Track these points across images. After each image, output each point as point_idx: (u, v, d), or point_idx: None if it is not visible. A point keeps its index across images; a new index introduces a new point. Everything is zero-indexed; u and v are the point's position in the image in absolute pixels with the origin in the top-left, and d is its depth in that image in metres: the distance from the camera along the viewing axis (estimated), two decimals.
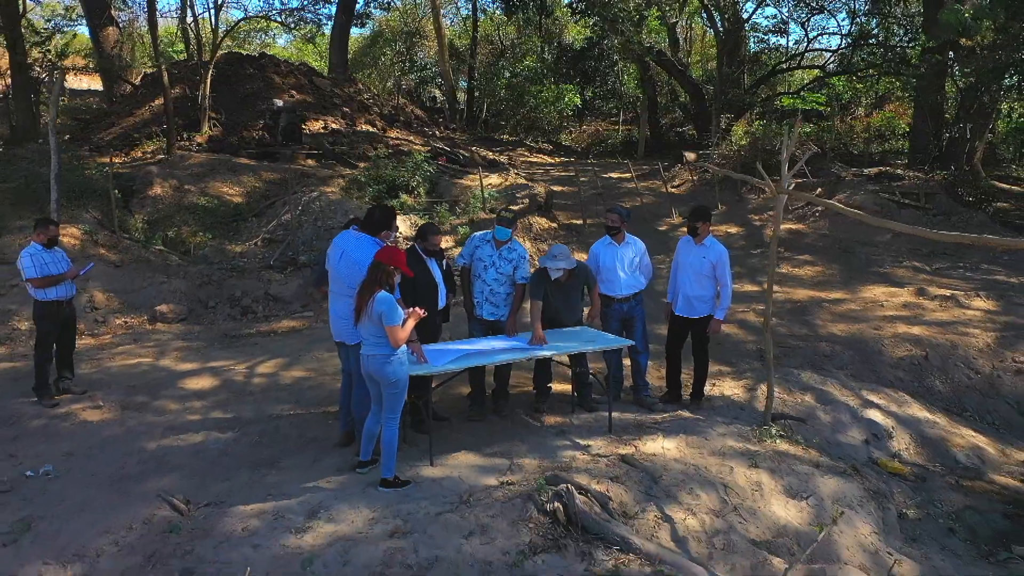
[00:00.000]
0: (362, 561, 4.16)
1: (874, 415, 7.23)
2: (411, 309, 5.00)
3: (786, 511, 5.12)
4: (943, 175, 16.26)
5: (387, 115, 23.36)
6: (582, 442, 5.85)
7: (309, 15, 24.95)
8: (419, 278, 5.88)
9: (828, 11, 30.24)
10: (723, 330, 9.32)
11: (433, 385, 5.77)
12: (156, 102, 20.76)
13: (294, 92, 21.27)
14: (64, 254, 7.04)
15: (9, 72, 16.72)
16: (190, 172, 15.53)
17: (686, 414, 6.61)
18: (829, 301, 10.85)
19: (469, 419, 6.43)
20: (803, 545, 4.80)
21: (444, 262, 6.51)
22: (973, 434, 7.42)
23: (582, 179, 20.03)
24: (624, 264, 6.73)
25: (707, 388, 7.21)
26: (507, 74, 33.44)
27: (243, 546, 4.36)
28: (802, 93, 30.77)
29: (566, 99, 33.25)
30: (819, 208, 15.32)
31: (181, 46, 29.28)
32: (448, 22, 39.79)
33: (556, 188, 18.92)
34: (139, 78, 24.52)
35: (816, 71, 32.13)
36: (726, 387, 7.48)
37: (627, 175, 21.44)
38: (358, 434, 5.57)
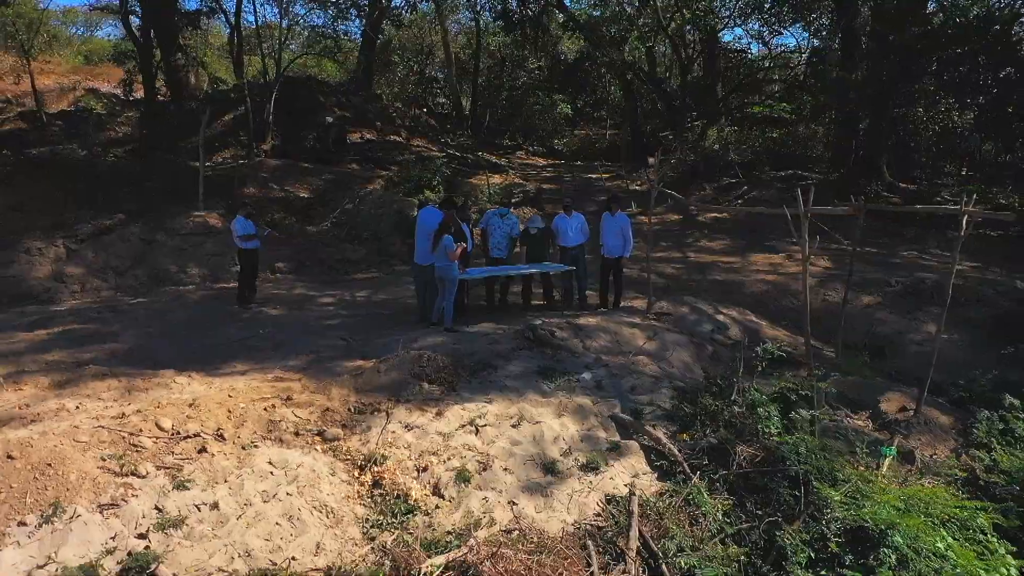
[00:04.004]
0: (442, 350, 9.34)
1: (720, 318, 12.41)
2: (460, 244, 10.21)
3: (644, 343, 10.32)
4: (836, 175, 21.48)
5: (409, 126, 28.57)
6: (546, 319, 11.04)
7: (331, 31, 30.11)
8: (460, 231, 11.07)
9: (789, 31, 35.17)
10: (644, 275, 14.47)
11: (467, 288, 10.99)
12: (225, 117, 25.95)
13: (336, 109, 26.45)
14: (254, 224, 12.24)
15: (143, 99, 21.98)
16: (269, 174, 20.74)
17: (614, 318, 11.80)
18: (723, 262, 16.06)
19: (487, 312, 11.64)
20: (651, 356, 10.00)
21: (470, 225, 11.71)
22: (780, 331, 12.60)
23: (566, 178, 25.27)
24: (572, 228, 11.91)
25: (623, 303, 12.39)
26: (507, 87, 38.48)
27: (387, 348, 9.55)
28: (769, 102, 35.85)
29: (558, 109, 38.42)
30: (740, 201, 20.56)
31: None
32: (452, 31, 44.63)
33: (545, 186, 24.09)
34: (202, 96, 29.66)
35: (779, 83, 36.92)
36: (636, 303, 12.66)
37: (605, 175, 26.68)
38: (429, 313, 10.75)
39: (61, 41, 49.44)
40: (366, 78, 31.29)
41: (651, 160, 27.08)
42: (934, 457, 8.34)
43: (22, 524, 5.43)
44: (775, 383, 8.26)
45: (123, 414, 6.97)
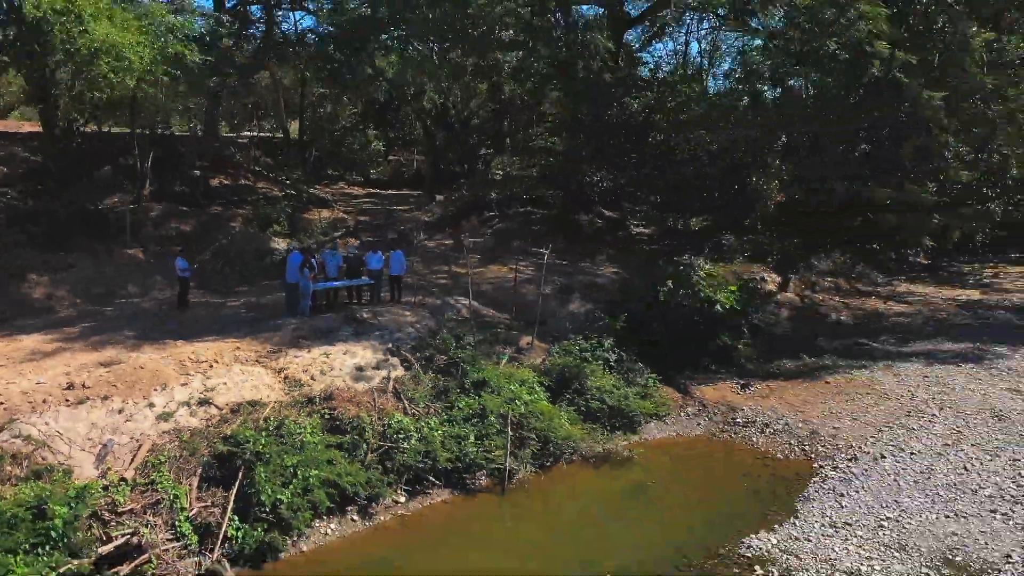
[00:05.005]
0: (306, 326, 18.73)
1: (459, 305, 22.54)
2: (312, 272, 19.63)
3: (409, 318, 20.22)
4: (557, 211, 32.63)
5: (254, 170, 36.90)
6: (361, 309, 20.65)
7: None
8: (311, 264, 20.43)
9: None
10: (422, 281, 24.44)
11: (316, 295, 20.47)
12: (104, 168, 33.07)
13: (197, 159, 34.31)
14: (187, 261, 20.85)
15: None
16: (157, 215, 28.70)
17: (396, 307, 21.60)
18: (472, 272, 26.34)
19: (327, 309, 21.12)
20: (412, 324, 19.91)
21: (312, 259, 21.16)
22: (492, 311, 22.94)
23: (377, 210, 34.88)
24: (374, 259, 21.60)
25: (403, 299, 22.22)
26: (328, 130, 47.09)
27: (279, 327, 18.79)
28: (543, 135, 46.86)
29: (372, 145, 47.73)
30: (491, 229, 31.18)
31: None
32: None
33: (362, 218, 33.48)
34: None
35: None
36: (411, 299, 22.52)
37: (404, 207, 36.53)
38: (295, 309, 20.05)
39: None
40: (213, 129, 39.05)
41: (438, 197, 37.31)
42: (532, 361, 18.91)
43: (155, 390, 14.42)
44: (462, 331, 18.50)
45: (167, 356, 15.93)
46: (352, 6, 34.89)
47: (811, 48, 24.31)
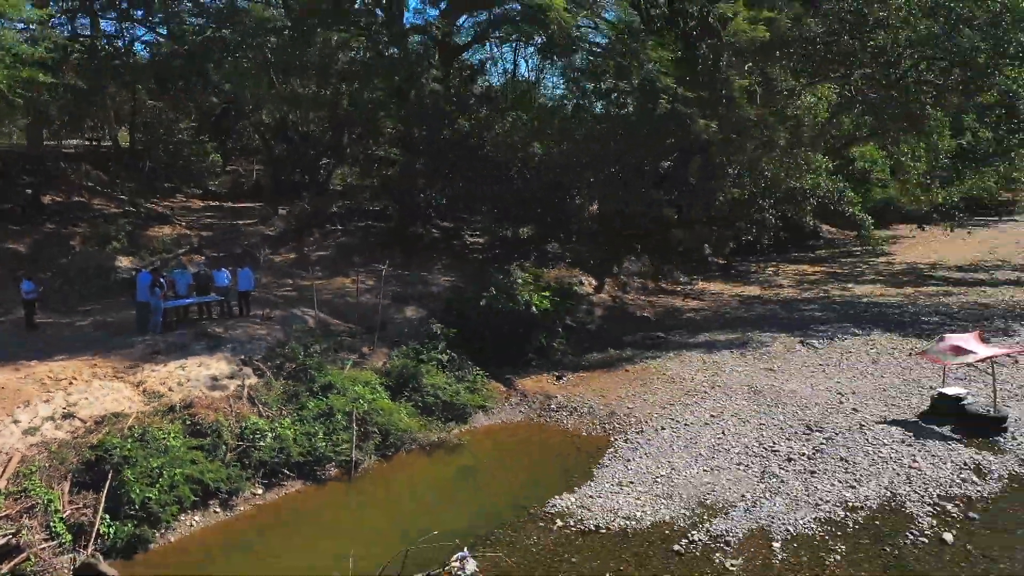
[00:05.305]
0: (159, 341, 20.08)
1: (306, 315, 24.43)
2: (163, 291, 20.96)
3: (260, 330, 21.97)
4: (395, 223, 34.98)
5: (88, 186, 36.53)
6: (212, 324, 22.13)
7: None
8: (160, 284, 21.69)
9: None
10: (269, 295, 26.08)
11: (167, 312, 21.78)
12: None
13: (24, 176, 33.71)
14: (33, 283, 21.45)
15: None
16: None
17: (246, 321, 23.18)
18: (317, 284, 28.18)
19: (175, 326, 22.42)
20: (262, 336, 21.69)
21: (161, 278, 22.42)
22: (335, 320, 25.00)
23: (218, 227, 35.74)
24: (221, 276, 23.11)
25: (251, 313, 23.83)
26: (163, 142, 46.62)
27: (131, 344, 20.00)
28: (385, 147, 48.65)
29: (211, 157, 47.80)
30: (334, 243, 33.02)
31: None
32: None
33: (204, 233, 34.25)
34: None
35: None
36: (260, 313, 24.15)
37: (247, 221, 37.51)
38: (146, 326, 21.27)
39: None
40: (38, 141, 38.19)
41: (280, 211, 38.55)
42: (374, 364, 21.26)
43: (18, 408, 15.56)
44: (309, 340, 20.59)
45: (24, 376, 16.96)
46: (190, 23, 35.56)
47: (609, 85, 28.23)
